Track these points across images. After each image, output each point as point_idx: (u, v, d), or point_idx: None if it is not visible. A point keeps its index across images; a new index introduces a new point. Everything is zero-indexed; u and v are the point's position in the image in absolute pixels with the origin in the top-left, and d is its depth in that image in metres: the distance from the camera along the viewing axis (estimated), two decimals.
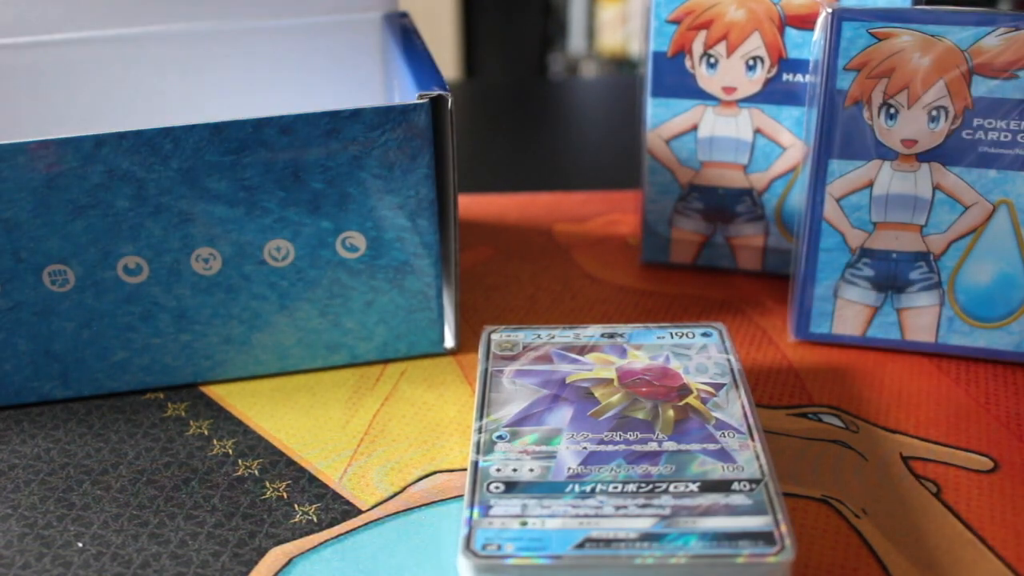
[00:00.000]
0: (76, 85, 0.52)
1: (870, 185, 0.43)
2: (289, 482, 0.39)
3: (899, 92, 0.42)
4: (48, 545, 0.36)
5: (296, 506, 0.37)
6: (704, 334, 0.42)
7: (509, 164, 0.72)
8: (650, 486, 0.33)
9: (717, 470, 0.33)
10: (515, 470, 0.34)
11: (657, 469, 0.34)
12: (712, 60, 0.49)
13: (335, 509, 0.37)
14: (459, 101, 0.84)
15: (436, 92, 0.41)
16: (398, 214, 0.42)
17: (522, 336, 0.42)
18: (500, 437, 0.36)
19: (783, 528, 0.31)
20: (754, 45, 0.48)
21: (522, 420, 0.37)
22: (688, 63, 0.49)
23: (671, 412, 0.37)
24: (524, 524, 0.31)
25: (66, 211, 0.39)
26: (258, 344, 0.44)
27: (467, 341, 0.48)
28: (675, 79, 0.50)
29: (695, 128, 0.51)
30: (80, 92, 0.53)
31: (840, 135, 0.43)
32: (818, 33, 0.43)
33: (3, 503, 0.38)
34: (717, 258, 0.54)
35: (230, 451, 0.41)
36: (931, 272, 0.44)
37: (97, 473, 0.39)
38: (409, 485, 0.38)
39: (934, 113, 0.42)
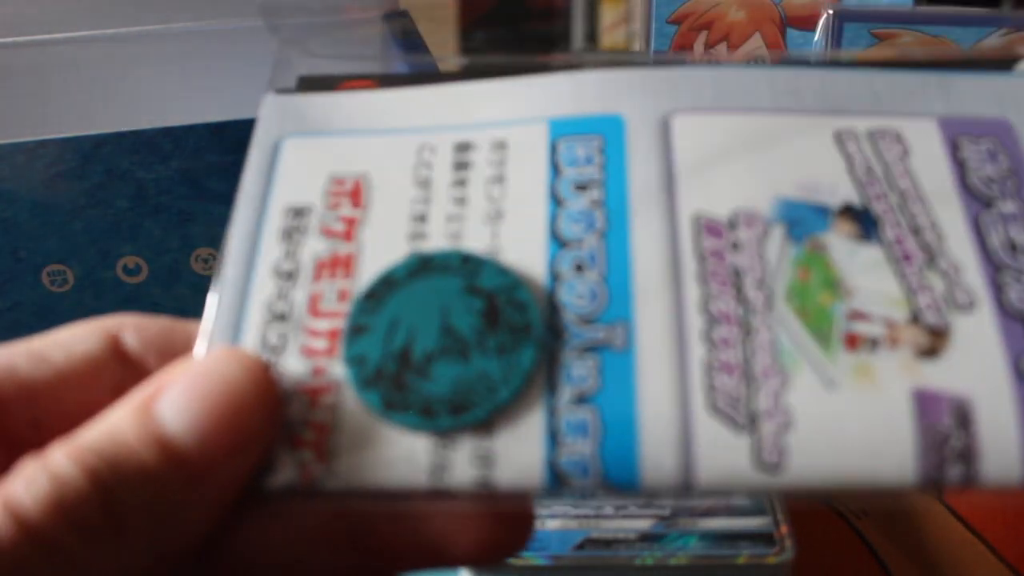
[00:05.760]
0: (76, 85, 0.52)
1: None
2: None
3: None
4: None
5: None
6: None
7: None
8: None
9: None
10: None
11: None
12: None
13: None
14: None
15: None
16: None
17: None
18: None
19: (783, 529, 0.31)
20: (755, 46, 0.48)
21: None
22: None
23: None
24: None
25: (65, 211, 0.39)
26: None
27: None
28: None
29: None
30: (80, 92, 0.53)
31: None
32: (819, 34, 0.43)
33: None
34: None
35: None
36: None
37: None
38: None
39: None
